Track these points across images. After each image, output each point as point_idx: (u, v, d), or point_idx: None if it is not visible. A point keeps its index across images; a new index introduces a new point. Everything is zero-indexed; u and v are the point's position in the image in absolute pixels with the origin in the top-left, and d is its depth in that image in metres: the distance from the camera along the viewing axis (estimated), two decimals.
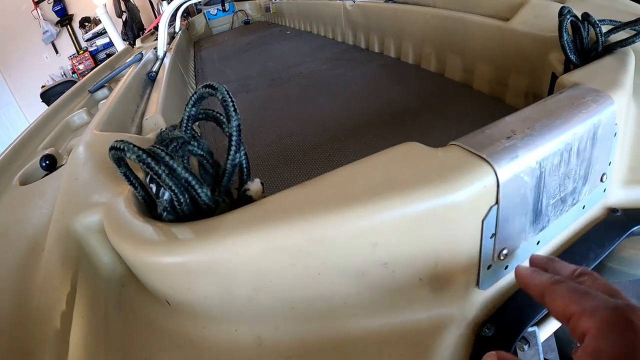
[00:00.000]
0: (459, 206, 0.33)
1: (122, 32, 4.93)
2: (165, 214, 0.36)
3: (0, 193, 0.70)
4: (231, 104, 0.35)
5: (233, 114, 0.35)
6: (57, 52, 5.25)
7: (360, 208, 0.32)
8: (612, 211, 0.51)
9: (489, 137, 0.38)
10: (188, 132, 0.39)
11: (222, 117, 0.38)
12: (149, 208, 0.40)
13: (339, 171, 0.36)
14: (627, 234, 0.48)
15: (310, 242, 0.32)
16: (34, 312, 0.38)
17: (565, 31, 0.59)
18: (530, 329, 0.44)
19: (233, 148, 0.36)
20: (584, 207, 0.47)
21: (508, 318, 0.40)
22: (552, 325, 0.50)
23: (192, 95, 0.38)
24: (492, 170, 0.34)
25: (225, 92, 0.35)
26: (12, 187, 0.71)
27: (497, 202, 0.36)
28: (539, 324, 0.49)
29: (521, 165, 0.36)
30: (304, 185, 0.36)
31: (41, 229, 0.50)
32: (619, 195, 0.52)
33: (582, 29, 0.59)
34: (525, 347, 0.46)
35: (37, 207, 0.58)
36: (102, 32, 5.07)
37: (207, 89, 0.37)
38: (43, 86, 4.81)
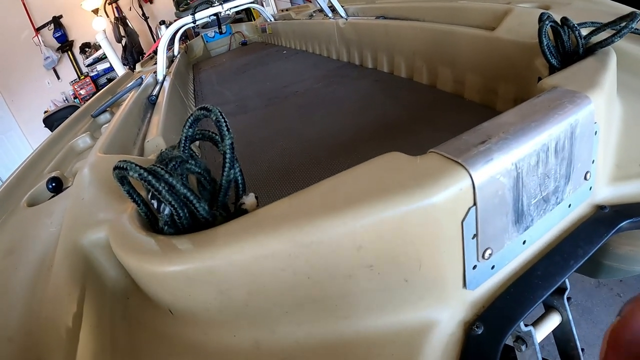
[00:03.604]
0: (437, 209, 0.36)
1: (122, 56, 5.02)
2: (166, 227, 0.39)
3: (9, 214, 0.73)
4: (224, 124, 0.38)
5: (226, 133, 0.38)
6: (58, 77, 5.33)
7: (342, 214, 0.34)
8: (600, 208, 0.52)
9: (465, 143, 0.40)
10: (186, 151, 0.42)
11: (217, 137, 0.41)
12: (151, 223, 0.43)
13: (325, 182, 0.39)
14: (615, 230, 0.49)
15: (298, 248, 0.34)
16: (44, 322, 0.40)
17: (545, 36, 0.61)
18: (525, 329, 0.45)
19: (227, 165, 0.39)
20: (570, 206, 0.49)
21: (497, 316, 0.41)
22: (549, 325, 0.51)
23: (189, 118, 0.41)
24: (467, 174, 0.36)
25: (219, 114, 0.38)
26: (21, 208, 0.74)
27: (474, 204, 0.38)
28: (535, 324, 0.50)
29: (496, 167, 0.38)
30: (292, 196, 0.39)
31: (50, 246, 0.53)
32: (606, 192, 0.53)
33: (562, 34, 0.61)
34: (523, 347, 0.47)
35: (45, 226, 0.61)
36: (103, 57, 5.14)
37: (202, 111, 0.40)
38: (45, 111, 4.88)
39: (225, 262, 0.35)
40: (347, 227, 0.34)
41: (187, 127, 0.41)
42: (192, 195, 0.37)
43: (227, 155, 0.39)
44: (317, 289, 0.37)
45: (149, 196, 0.40)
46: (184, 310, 0.40)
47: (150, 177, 0.35)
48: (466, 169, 0.37)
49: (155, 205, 0.39)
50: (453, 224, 0.38)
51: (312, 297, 0.37)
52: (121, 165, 0.37)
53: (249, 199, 0.40)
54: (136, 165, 0.36)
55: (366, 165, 0.40)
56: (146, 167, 0.36)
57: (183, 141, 0.41)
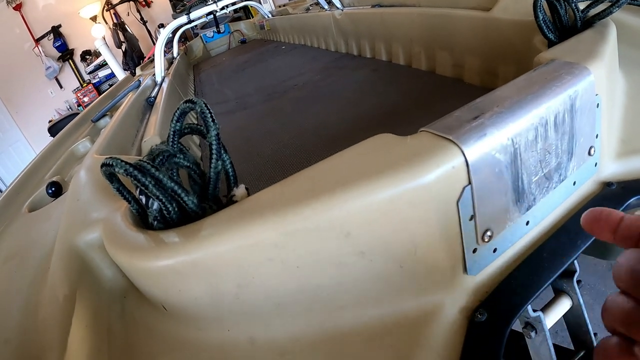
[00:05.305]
0: (429, 189, 0.34)
1: (122, 62, 5.03)
2: (155, 223, 0.38)
3: (10, 221, 0.74)
4: (209, 115, 0.37)
5: (211, 124, 0.37)
6: (61, 86, 5.36)
7: (328, 199, 0.33)
8: (606, 185, 0.50)
9: (457, 120, 0.39)
10: (175, 146, 0.41)
11: (204, 130, 0.40)
12: (142, 220, 0.42)
13: (313, 167, 0.38)
14: (623, 207, 0.47)
15: (283, 236, 0.33)
16: (40, 323, 0.40)
17: (541, 10, 0.59)
18: (534, 314, 0.43)
19: (214, 156, 0.38)
20: (574, 183, 0.47)
21: (501, 302, 0.40)
22: (559, 310, 0.49)
23: (175, 112, 0.40)
24: (460, 151, 0.35)
25: (204, 105, 0.38)
26: (22, 214, 0.75)
27: (469, 182, 0.36)
28: (544, 309, 0.48)
29: (491, 143, 0.36)
30: (280, 183, 0.38)
31: (48, 249, 0.53)
32: (612, 168, 0.52)
33: (558, 7, 0.59)
34: (532, 333, 0.46)
35: (44, 230, 0.61)
36: (104, 64, 5.16)
37: (188, 104, 0.39)
38: (50, 121, 4.91)
39: (210, 254, 0.34)
40: (332, 213, 0.33)
41: (174, 122, 0.41)
42: (180, 188, 0.36)
43: (214, 147, 0.38)
44: (307, 279, 0.36)
45: (138, 192, 0.40)
46: (176, 306, 0.39)
47: (135, 172, 0.35)
48: (458, 146, 0.35)
49: (144, 200, 0.39)
50: (448, 204, 0.36)
51: (303, 287, 0.36)
52: (108, 162, 0.37)
53: (240, 191, 0.39)
54: (122, 161, 0.35)
55: (355, 148, 0.39)
56: (132, 162, 0.36)
57: (171, 136, 0.41)
